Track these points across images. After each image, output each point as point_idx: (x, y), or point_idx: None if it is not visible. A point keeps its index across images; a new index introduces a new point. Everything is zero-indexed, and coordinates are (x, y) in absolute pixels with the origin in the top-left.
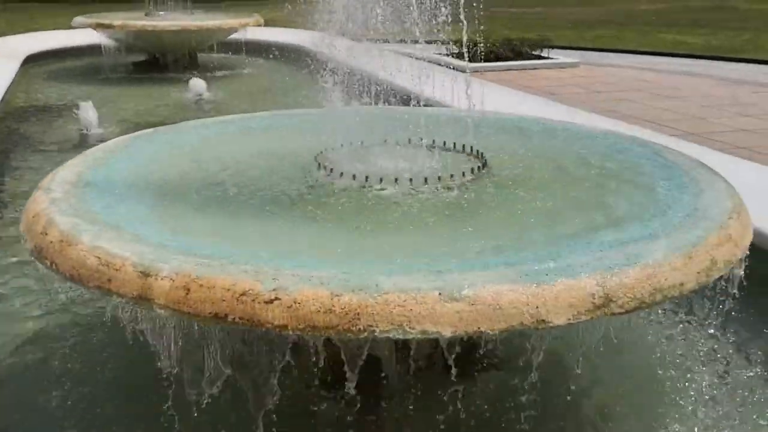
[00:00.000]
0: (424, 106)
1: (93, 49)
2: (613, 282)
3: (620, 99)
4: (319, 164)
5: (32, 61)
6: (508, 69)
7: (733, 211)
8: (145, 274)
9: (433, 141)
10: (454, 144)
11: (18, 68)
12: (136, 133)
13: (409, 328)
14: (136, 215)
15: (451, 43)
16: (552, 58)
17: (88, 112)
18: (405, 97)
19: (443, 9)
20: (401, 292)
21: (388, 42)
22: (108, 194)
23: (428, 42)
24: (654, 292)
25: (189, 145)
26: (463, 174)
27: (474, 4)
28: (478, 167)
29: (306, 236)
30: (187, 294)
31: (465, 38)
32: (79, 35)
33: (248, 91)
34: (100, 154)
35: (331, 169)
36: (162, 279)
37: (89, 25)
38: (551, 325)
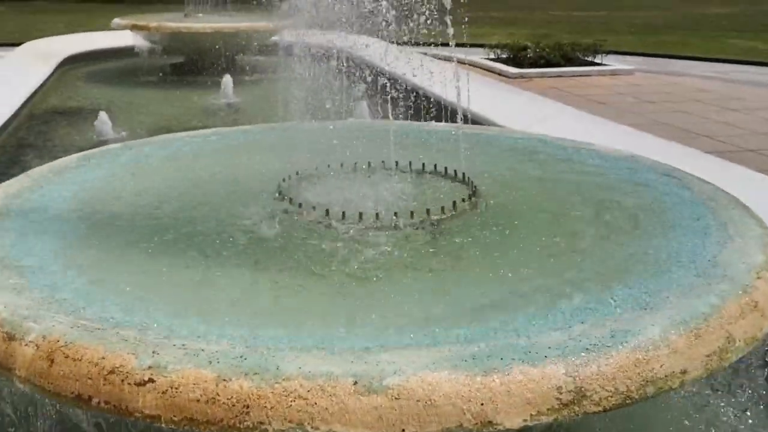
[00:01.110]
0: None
1: (133, 51)
2: (588, 371)
3: (676, 110)
4: (280, 192)
5: (71, 62)
6: (558, 75)
7: (764, 268)
8: (10, 337)
9: (423, 165)
10: (445, 169)
11: (52, 70)
12: (95, 150)
13: (312, 428)
14: (44, 254)
15: (486, 47)
16: (606, 65)
17: (102, 120)
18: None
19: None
20: (306, 379)
21: (436, 45)
22: (28, 225)
23: (473, 45)
24: (644, 384)
25: (147, 165)
26: (443, 209)
27: (530, 8)
28: (463, 199)
29: (230, 290)
30: (50, 366)
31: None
32: (121, 37)
33: (284, 95)
34: (42, 175)
35: (290, 200)
36: (26, 344)
37: (126, 27)
38: (501, 428)
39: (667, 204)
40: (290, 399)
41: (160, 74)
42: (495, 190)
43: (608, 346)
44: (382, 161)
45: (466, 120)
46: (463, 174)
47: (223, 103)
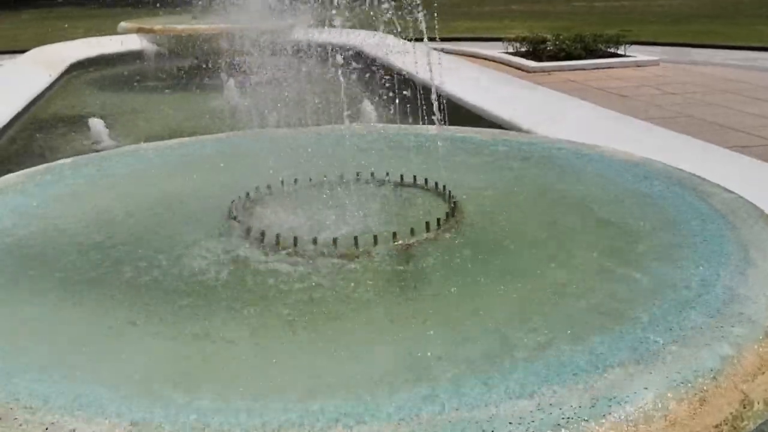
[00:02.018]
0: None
1: (142, 55)
2: None
3: (701, 102)
4: (230, 213)
5: (78, 68)
6: (578, 68)
7: None
8: None
9: (401, 176)
10: (426, 181)
11: (56, 77)
12: (42, 166)
13: None
14: None
15: (504, 41)
16: (629, 56)
17: (97, 126)
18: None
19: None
20: None
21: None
22: None
23: (491, 39)
24: None
25: (94, 184)
26: (412, 231)
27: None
28: (439, 220)
29: (133, 346)
30: None
31: None
32: (130, 41)
33: (292, 97)
34: None
35: (239, 224)
36: None
37: (132, 30)
38: None
39: (678, 220)
40: None
41: (167, 77)
42: (480, 206)
43: (587, 420)
44: (357, 173)
45: (477, 118)
46: (444, 187)
47: (229, 106)
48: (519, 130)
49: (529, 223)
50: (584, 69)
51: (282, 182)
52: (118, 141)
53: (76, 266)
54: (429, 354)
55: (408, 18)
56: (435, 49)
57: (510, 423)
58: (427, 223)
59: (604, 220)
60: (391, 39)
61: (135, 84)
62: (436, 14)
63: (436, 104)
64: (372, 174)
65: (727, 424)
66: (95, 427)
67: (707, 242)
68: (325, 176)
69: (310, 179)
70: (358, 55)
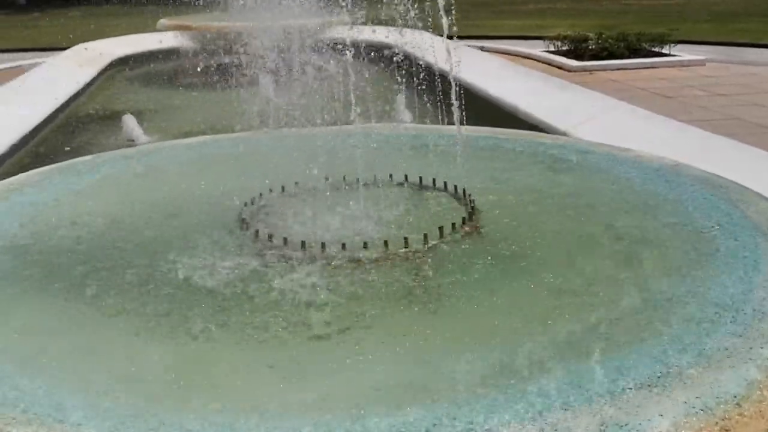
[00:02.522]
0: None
1: (180, 52)
2: None
3: (749, 103)
4: (240, 216)
5: (118, 65)
6: (621, 68)
7: None
8: None
9: (420, 179)
10: (445, 184)
11: (95, 74)
12: (59, 165)
13: None
14: None
15: (546, 39)
16: (674, 55)
17: (130, 123)
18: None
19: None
20: None
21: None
22: None
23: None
24: None
25: (107, 184)
26: (425, 237)
27: None
28: (453, 225)
29: (116, 358)
30: None
31: None
32: (169, 38)
33: (329, 94)
34: None
35: (246, 227)
36: None
37: (171, 28)
38: None
39: (708, 229)
40: None
41: (204, 74)
42: (500, 212)
43: None
44: (374, 175)
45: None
46: (464, 190)
47: (264, 104)
48: (554, 131)
49: (547, 232)
50: (627, 68)
51: (296, 184)
52: (152, 137)
53: (72, 275)
54: (423, 374)
55: (447, 16)
56: (474, 47)
57: None
58: (442, 229)
59: (629, 228)
60: (431, 38)
61: (172, 81)
62: (476, 13)
63: (454, 97)
64: (391, 175)
65: None
66: None
67: (739, 255)
68: (344, 177)
69: (327, 179)
70: (395, 52)
